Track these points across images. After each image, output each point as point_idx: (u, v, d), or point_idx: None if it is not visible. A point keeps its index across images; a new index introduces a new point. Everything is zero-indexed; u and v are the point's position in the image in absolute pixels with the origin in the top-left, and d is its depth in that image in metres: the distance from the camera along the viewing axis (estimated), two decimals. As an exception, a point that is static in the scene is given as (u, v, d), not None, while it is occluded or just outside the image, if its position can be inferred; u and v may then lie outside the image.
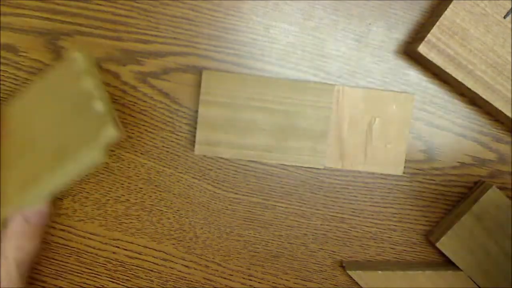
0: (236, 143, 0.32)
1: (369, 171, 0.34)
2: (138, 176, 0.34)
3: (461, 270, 0.33)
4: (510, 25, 0.30)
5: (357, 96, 0.32)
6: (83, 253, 0.35)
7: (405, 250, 0.35)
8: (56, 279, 0.35)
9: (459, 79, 0.30)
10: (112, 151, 0.34)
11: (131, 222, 0.35)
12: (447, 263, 0.35)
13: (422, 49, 0.30)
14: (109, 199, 0.35)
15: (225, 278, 0.36)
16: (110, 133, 0.25)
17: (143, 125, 0.34)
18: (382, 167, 0.33)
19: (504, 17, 0.30)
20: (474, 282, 0.33)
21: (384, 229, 0.35)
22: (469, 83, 0.31)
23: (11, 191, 0.27)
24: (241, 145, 0.32)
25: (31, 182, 0.26)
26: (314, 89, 0.32)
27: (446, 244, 0.33)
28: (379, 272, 0.33)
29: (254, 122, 0.32)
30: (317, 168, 0.34)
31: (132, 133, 0.34)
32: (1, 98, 0.33)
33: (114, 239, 0.35)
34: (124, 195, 0.35)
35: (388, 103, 0.33)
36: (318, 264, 0.35)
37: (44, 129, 0.27)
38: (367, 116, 0.33)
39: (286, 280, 0.36)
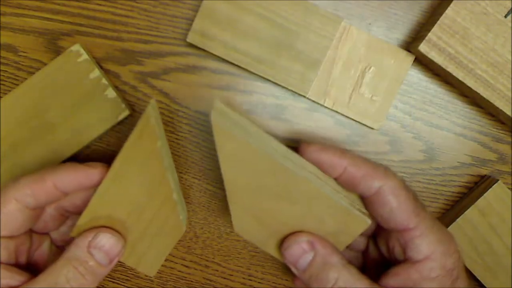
0: (230, 44, 0.31)
1: (347, 116, 0.33)
2: (138, 176, 0.34)
3: None
4: (510, 24, 0.30)
5: (360, 39, 0.32)
6: (83, 253, 0.35)
7: (405, 250, 0.35)
8: (56, 279, 0.35)
9: (460, 78, 0.30)
10: (112, 151, 0.34)
11: (131, 222, 0.35)
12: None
13: (423, 48, 0.30)
14: (109, 199, 0.34)
15: (225, 278, 0.36)
16: (125, 114, 0.32)
17: (143, 125, 0.34)
18: (362, 117, 0.33)
19: (505, 16, 0.30)
20: (476, 277, 0.33)
21: (385, 229, 0.35)
22: (469, 82, 0.31)
23: (30, 166, 0.31)
24: (234, 47, 0.31)
25: (52, 158, 0.32)
26: (323, 16, 0.31)
27: None
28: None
29: (253, 28, 0.31)
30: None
31: (132, 133, 0.34)
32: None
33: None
34: (124, 195, 0.34)
35: (387, 56, 0.32)
36: (318, 264, 0.35)
37: (57, 114, 0.31)
38: (364, 62, 0.32)
39: (286, 280, 0.36)
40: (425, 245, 0.26)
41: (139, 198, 0.28)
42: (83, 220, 0.27)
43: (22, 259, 0.28)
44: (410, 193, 0.27)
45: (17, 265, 0.27)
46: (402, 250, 0.27)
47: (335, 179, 0.27)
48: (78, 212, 0.29)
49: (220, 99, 0.34)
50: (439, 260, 0.26)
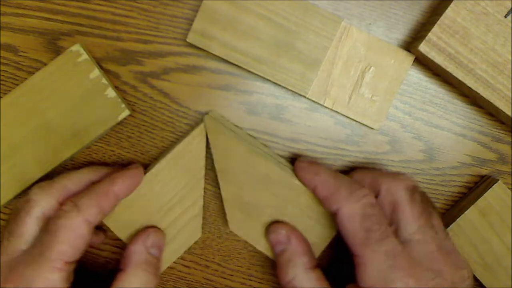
0: (230, 44, 0.32)
1: (347, 116, 0.33)
2: (138, 176, 0.34)
3: None
4: (510, 24, 0.30)
5: (360, 39, 0.32)
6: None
7: (405, 250, 0.35)
8: (56, 279, 0.35)
9: (460, 78, 0.30)
10: (112, 151, 0.34)
11: (131, 222, 0.35)
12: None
13: (423, 48, 0.30)
14: (109, 199, 0.34)
15: (225, 278, 0.36)
16: (126, 114, 0.32)
17: (143, 125, 0.34)
18: (362, 117, 0.33)
19: (505, 16, 0.30)
20: (476, 277, 0.33)
21: (385, 229, 0.35)
22: (469, 82, 0.31)
23: (30, 166, 0.31)
24: (234, 48, 0.32)
25: (52, 158, 0.31)
26: (323, 16, 0.31)
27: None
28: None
29: (253, 28, 0.31)
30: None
31: (132, 133, 0.34)
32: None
33: (114, 239, 0.35)
34: (124, 195, 0.34)
35: (388, 56, 0.32)
36: (318, 264, 0.35)
37: (57, 114, 0.31)
38: (364, 62, 0.32)
39: (286, 280, 0.36)
40: (367, 277, 0.26)
41: (170, 198, 0.30)
42: (119, 211, 0.30)
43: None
44: (366, 222, 0.27)
45: None
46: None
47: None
48: None
49: (220, 99, 0.34)
50: None
